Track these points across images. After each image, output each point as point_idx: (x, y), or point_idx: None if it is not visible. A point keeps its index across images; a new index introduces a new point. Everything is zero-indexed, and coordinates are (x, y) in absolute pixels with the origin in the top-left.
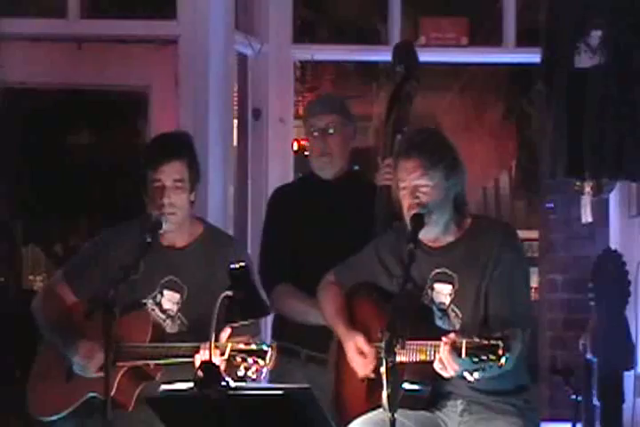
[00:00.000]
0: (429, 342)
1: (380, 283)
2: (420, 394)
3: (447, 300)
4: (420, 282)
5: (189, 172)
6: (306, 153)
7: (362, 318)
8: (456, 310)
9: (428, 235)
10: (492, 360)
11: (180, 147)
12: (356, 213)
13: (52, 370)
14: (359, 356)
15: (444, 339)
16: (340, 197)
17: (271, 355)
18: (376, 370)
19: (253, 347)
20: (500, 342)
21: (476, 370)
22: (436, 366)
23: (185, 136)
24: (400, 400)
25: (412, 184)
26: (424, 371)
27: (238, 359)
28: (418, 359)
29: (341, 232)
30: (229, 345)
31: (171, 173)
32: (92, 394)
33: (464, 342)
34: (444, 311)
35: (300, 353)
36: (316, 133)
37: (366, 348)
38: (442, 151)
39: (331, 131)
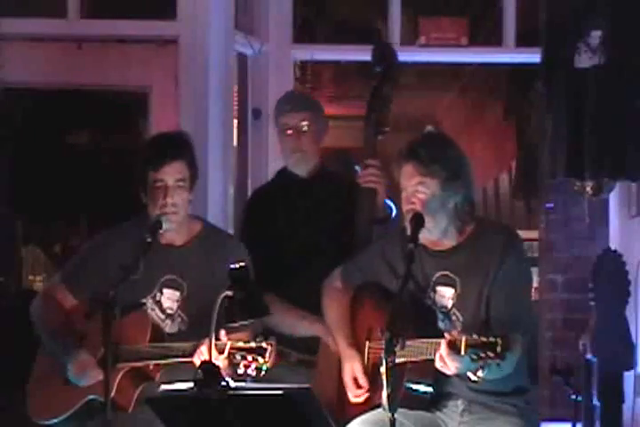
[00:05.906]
0: (429, 341)
1: (384, 283)
2: (420, 394)
3: (449, 303)
4: (423, 284)
5: (190, 171)
6: None
7: (365, 318)
8: (458, 313)
9: (425, 239)
10: (490, 358)
11: (181, 147)
12: (334, 212)
13: (52, 372)
14: (353, 383)
15: (446, 335)
16: (318, 197)
17: (270, 352)
18: (376, 371)
19: (252, 345)
20: (499, 340)
21: (478, 369)
22: (437, 364)
23: (184, 135)
24: (400, 400)
25: (410, 190)
26: (425, 370)
27: (238, 357)
28: (418, 358)
29: (323, 232)
30: (229, 343)
31: (173, 173)
32: (91, 397)
33: (463, 339)
34: (446, 314)
35: (289, 356)
36: (289, 131)
37: (362, 379)
38: (442, 160)
39: (304, 129)
